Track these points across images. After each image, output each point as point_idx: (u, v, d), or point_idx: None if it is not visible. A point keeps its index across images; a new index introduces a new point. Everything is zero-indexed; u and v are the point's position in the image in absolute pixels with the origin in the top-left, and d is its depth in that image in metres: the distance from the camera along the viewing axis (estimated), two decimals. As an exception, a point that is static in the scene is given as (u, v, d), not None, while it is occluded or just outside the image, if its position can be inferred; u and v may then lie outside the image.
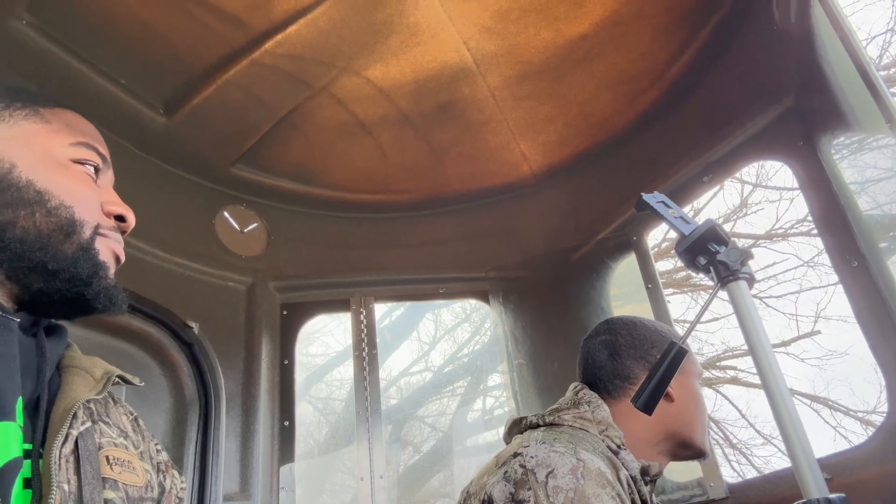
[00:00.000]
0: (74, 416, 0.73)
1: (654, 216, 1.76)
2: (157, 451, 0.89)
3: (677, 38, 2.09)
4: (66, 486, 0.67)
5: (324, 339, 9.55)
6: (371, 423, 2.26)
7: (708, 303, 0.96)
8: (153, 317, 1.99)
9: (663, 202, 1.00)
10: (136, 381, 0.90)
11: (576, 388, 1.39)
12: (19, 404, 0.66)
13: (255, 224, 2.36)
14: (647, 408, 0.95)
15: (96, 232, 0.83)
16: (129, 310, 1.95)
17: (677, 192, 2.15)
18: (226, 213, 2.29)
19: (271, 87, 2.04)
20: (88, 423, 0.76)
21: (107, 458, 0.75)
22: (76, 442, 0.71)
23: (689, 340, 1.03)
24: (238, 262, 2.29)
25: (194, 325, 2.05)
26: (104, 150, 0.91)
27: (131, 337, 1.96)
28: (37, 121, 0.85)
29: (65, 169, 0.83)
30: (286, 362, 2.30)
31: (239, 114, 2.10)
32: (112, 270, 0.84)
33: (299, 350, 2.37)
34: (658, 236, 7.86)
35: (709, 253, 0.93)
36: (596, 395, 1.35)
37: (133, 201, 2.05)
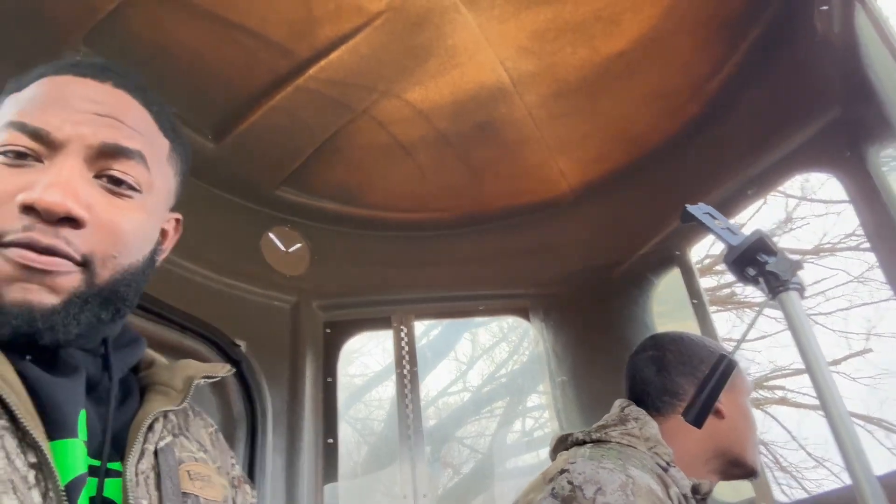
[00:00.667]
0: (151, 429, 0.70)
1: (698, 230, 1.75)
2: (233, 465, 0.86)
3: (717, 52, 2.08)
4: (144, 503, 0.64)
5: (363, 359, 9.61)
6: (413, 441, 2.27)
7: (759, 312, 0.95)
8: (202, 335, 2.05)
9: (709, 213, 1.00)
10: (224, 371, 0.84)
11: (622, 404, 1.38)
12: (82, 418, 0.63)
13: (300, 244, 2.41)
14: (698, 421, 0.94)
15: None
16: (179, 328, 2.01)
17: (721, 206, 2.12)
18: (271, 234, 2.35)
19: (315, 111, 2.10)
20: (169, 438, 0.73)
21: (188, 472, 0.72)
22: (156, 456, 0.69)
23: (736, 359, 1.01)
24: (283, 281, 2.34)
25: (242, 344, 2.10)
26: (51, 118, 0.67)
27: (181, 355, 2.01)
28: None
29: None
30: (329, 380, 2.33)
31: (284, 138, 2.17)
32: (19, 289, 0.61)
33: (340, 370, 2.41)
34: (700, 252, 7.73)
35: (758, 264, 0.92)
36: (643, 411, 1.33)
37: (184, 225, 2.12)
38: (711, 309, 2.21)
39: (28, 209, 0.62)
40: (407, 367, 2.38)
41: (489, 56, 2.01)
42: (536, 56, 2.01)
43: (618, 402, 1.40)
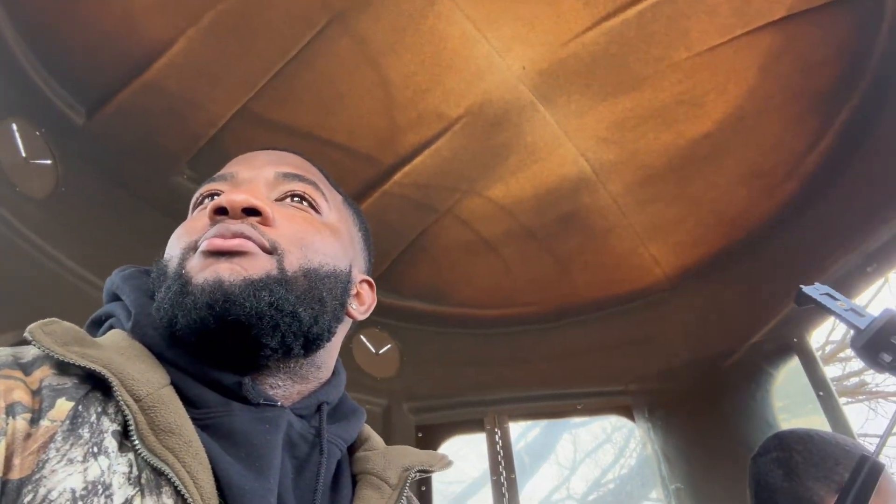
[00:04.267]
0: None
1: (818, 314, 1.58)
2: None
3: (811, 127, 1.98)
4: None
5: (459, 464, 9.28)
6: (515, 557, 2.10)
7: (904, 407, 0.81)
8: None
9: (828, 294, 0.89)
10: (442, 464, 0.75)
11: (749, 515, 1.21)
12: None
13: (389, 345, 2.41)
14: (845, 539, 0.80)
15: (189, 252, 0.65)
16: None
17: (837, 285, 1.92)
18: (362, 337, 2.38)
19: (400, 214, 2.16)
20: None
21: None
22: None
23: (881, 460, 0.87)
24: (374, 383, 2.33)
25: (334, 450, 2.06)
26: (235, 167, 0.75)
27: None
28: None
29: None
30: (423, 489, 2.23)
31: (373, 242, 2.23)
32: (211, 271, 0.61)
33: (435, 477, 2.31)
34: (820, 338, 7.08)
35: (893, 348, 0.81)
36: (775, 524, 1.16)
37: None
38: (841, 401, 1.96)
39: (217, 212, 0.66)
40: (504, 473, 2.25)
41: (569, 149, 2.01)
42: (617, 145, 1.99)
43: (743, 514, 1.23)
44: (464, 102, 1.88)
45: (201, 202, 0.73)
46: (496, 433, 2.34)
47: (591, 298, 2.43)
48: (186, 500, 0.51)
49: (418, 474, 0.70)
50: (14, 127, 1.59)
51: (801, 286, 0.93)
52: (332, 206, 0.78)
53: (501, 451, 2.29)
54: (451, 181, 2.10)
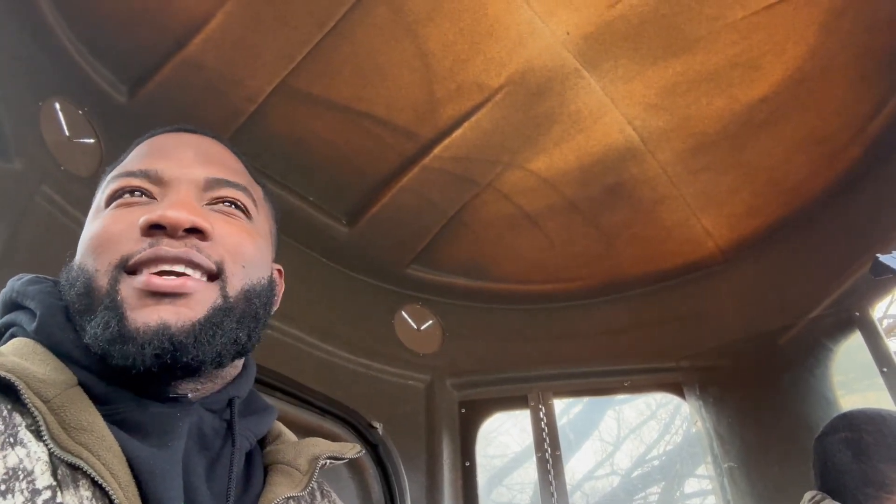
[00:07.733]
0: None
1: (882, 285, 1.50)
2: None
3: (877, 88, 1.86)
4: None
5: (501, 438, 9.31)
6: (560, 533, 2.08)
7: None
8: (341, 418, 2.05)
9: (909, 263, 0.82)
10: (353, 452, 0.77)
11: (814, 497, 1.15)
12: None
13: (431, 321, 2.39)
14: (929, 527, 0.74)
15: (120, 271, 0.60)
16: (319, 411, 2.02)
17: (905, 257, 1.83)
18: (404, 313, 2.36)
19: (441, 188, 2.13)
20: None
21: None
22: None
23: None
24: (416, 359, 2.32)
25: (378, 426, 2.07)
26: (156, 161, 0.68)
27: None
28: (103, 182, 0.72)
29: (91, 223, 0.67)
30: (468, 464, 2.22)
31: (412, 217, 2.20)
32: (152, 311, 0.58)
33: (478, 451, 2.30)
34: (878, 312, 6.79)
35: None
36: (842, 506, 1.10)
37: (321, 306, 2.16)
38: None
39: (153, 228, 0.61)
40: (548, 450, 2.22)
41: (615, 117, 1.93)
42: (667, 111, 1.91)
43: (808, 496, 1.17)
44: (505, 71, 1.82)
45: (119, 195, 0.67)
46: (540, 409, 2.30)
47: (638, 273, 2.36)
48: (105, 490, 0.53)
49: (329, 461, 0.73)
50: (57, 106, 1.61)
51: (878, 255, 0.86)
52: (259, 206, 0.75)
53: (546, 428, 2.26)
54: (491, 154, 2.04)
